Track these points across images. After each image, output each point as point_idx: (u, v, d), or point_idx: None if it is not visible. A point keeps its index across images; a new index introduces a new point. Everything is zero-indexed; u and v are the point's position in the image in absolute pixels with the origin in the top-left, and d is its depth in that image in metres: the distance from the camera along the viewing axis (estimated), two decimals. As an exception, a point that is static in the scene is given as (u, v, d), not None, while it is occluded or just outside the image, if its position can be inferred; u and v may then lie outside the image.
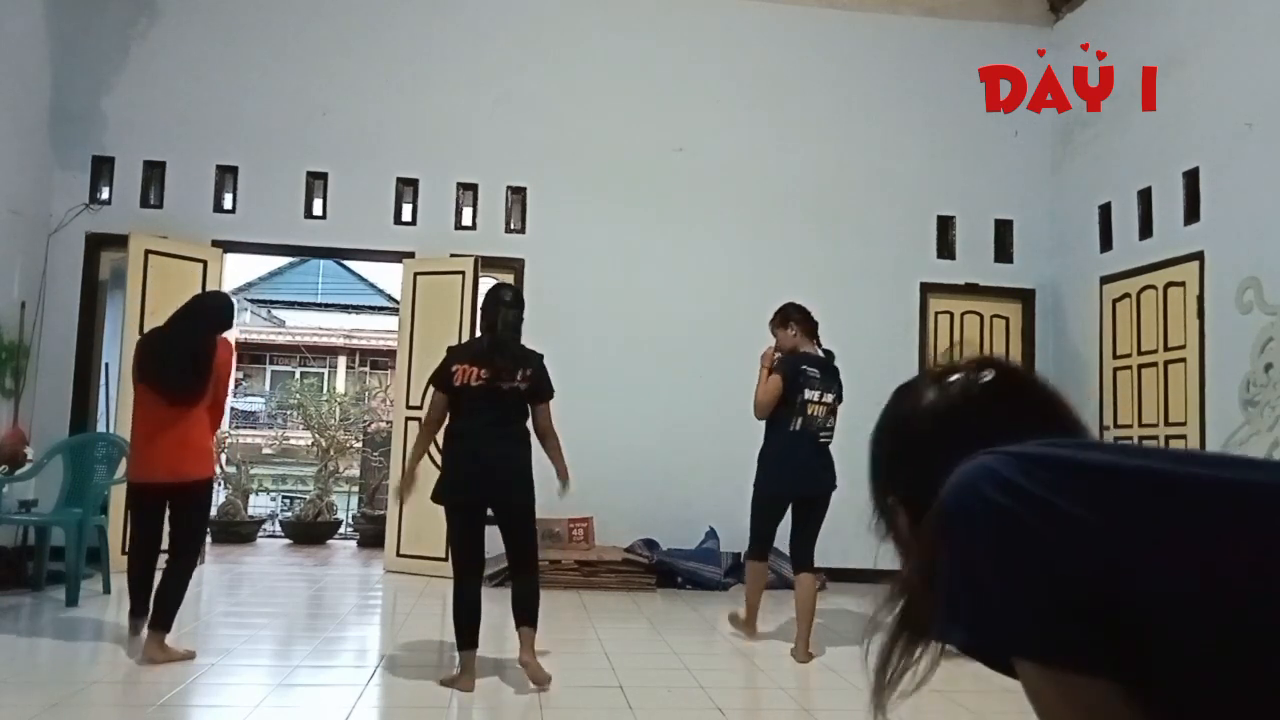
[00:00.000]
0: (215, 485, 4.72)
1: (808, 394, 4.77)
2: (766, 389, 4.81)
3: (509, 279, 7.35)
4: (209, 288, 6.85)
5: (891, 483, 0.94)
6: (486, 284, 7.33)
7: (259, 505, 9.93)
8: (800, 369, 4.78)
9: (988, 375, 0.92)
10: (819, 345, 5.00)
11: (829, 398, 4.84)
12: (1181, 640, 0.69)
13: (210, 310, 4.57)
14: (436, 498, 4.03)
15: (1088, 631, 0.70)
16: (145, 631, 4.25)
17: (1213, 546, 0.70)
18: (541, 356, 4.11)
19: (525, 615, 4.00)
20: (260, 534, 8.65)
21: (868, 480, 0.99)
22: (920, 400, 0.94)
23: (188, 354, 4.36)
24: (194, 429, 4.36)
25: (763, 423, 4.90)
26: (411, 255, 7.22)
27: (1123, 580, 0.70)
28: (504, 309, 4.07)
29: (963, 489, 0.78)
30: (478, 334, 4.43)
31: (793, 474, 4.78)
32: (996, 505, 0.75)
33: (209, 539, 7.33)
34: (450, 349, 4.18)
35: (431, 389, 4.09)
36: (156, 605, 4.22)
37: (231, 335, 4.76)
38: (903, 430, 0.95)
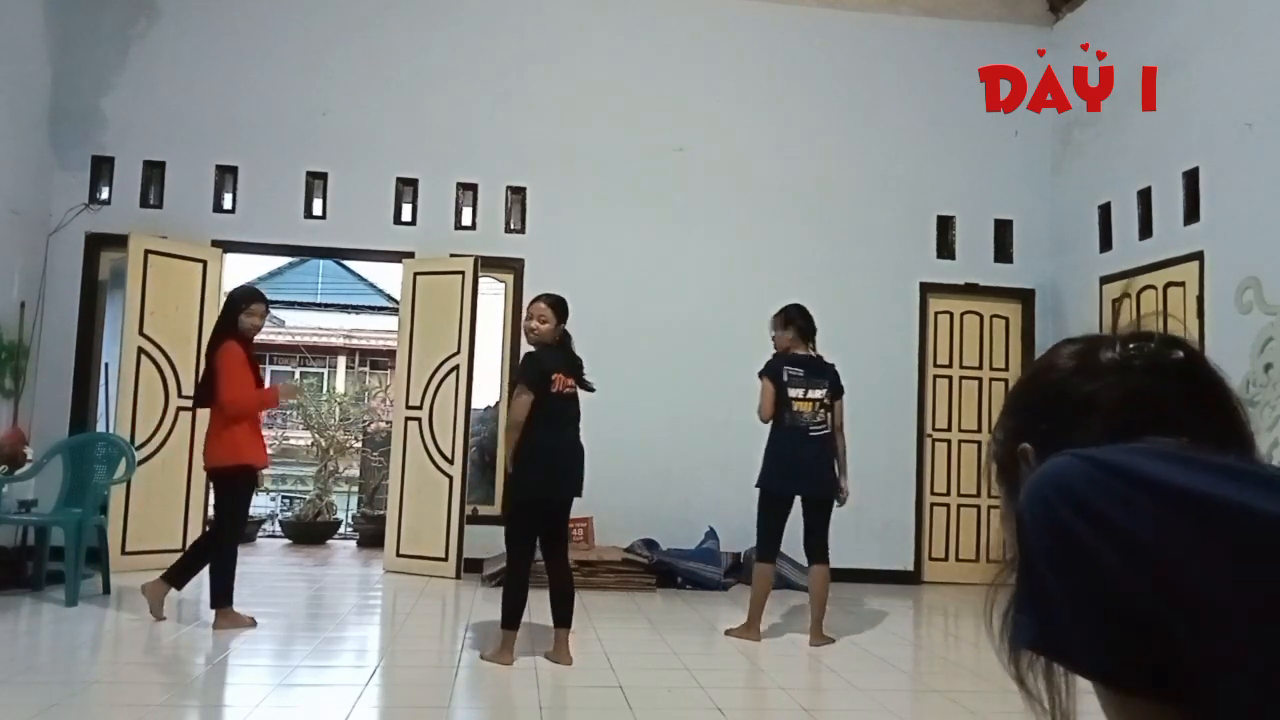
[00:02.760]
0: (231, 478, 4.94)
1: (791, 392, 5.10)
2: (763, 394, 5.15)
3: (509, 279, 7.38)
4: (208, 288, 6.88)
5: (1030, 431, 0.90)
6: (486, 284, 7.37)
7: (258, 505, 9.88)
8: (781, 368, 5.12)
9: (1178, 354, 0.89)
10: (813, 348, 5.26)
11: (816, 393, 5.14)
12: (1227, 676, 0.69)
13: (221, 313, 5.19)
14: (520, 493, 4.36)
15: (1139, 652, 0.70)
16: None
17: (1257, 586, 0.69)
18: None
19: (565, 616, 4.39)
20: (260, 534, 8.64)
21: (998, 420, 0.96)
22: (1096, 358, 0.90)
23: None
24: (211, 425, 4.99)
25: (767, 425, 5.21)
26: (411, 255, 7.22)
27: (1173, 609, 0.70)
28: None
29: (1034, 494, 0.77)
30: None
31: (791, 473, 5.07)
32: (1059, 518, 0.74)
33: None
34: (536, 355, 4.44)
35: (521, 390, 4.33)
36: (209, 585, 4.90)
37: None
38: (1064, 382, 0.91)
